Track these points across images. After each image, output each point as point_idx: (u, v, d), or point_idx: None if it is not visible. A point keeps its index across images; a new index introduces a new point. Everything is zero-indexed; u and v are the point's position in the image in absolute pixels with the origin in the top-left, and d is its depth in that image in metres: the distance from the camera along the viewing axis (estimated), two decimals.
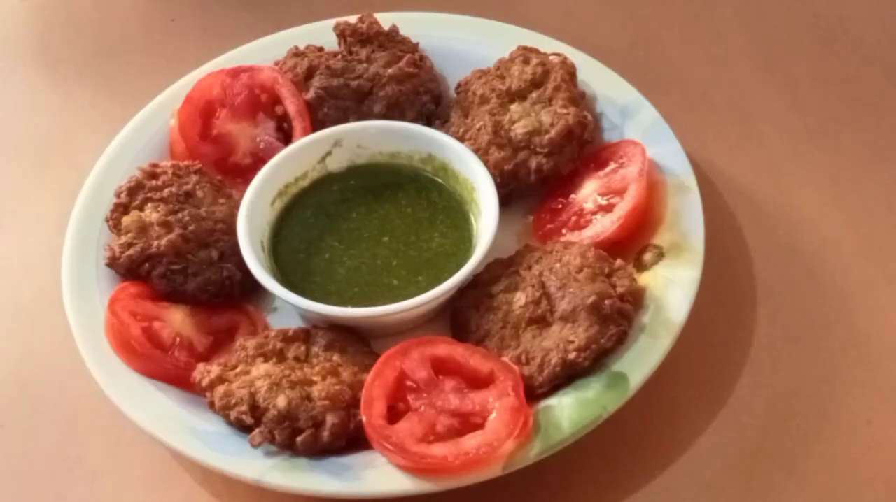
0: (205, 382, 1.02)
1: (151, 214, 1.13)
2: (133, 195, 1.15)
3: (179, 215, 1.13)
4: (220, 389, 1.01)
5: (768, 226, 1.19)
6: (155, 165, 1.18)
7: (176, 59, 1.38)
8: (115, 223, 1.14)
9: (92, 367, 1.06)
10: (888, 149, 1.26)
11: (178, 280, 1.11)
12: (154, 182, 1.16)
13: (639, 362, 1.01)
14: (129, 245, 1.11)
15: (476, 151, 1.16)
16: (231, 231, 1.13)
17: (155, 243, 1.11)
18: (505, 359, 1.03)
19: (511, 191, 1.17)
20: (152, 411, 1.03)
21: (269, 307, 1.14)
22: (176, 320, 1.10)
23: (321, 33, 1.29)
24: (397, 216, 1.17)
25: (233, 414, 1.00)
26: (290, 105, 1.22)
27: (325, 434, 0.99)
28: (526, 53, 1.22)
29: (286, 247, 1.16)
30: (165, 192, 1.15)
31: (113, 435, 1.08)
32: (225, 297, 1.12)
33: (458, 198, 1.17)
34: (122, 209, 1.15)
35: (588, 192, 1.15)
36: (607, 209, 1.13)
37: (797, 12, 1.40)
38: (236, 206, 1.15)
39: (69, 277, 1.12)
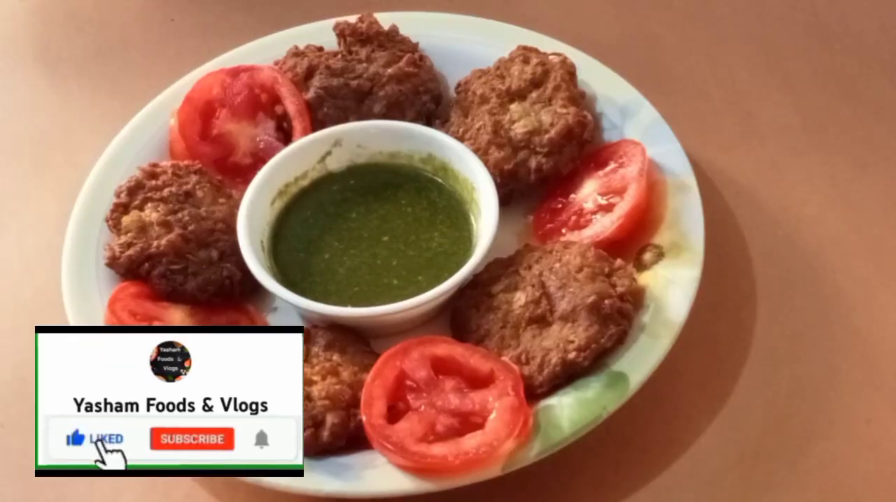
0: None
1: (151, 214, 1.13)
2: (133, 195, 1.15)
3: (179, 215, 1.13)
4: None
5: (768, 226, 1.19)
6: (155, 165, 1.18)
7: (176, 59, 1.38)
8: (114, 223, 1.14)
9: None
10: (888, 149, 1.25)
11: (178, 280, 1.11)
12: (154, 182, 1.16)
13: (639, 362, 1.01)
14: (129, 245, 1.11)
15: (476, 151, 1.16)
16: (231, 231, 1.13)
17: (155, 243, 1.11)
18: (505, 358, 1.03)
19: (511, 191, 1.17)
20: None
21: (269, 307, 1.14)
22: (176, 320, 1.09)
23: (321, 33, 1.29)
24: (397, 216, 1.17)
25: None
26: (290, 105, 1.22)
27: (325, 434, 0.98)
28: (526, 53, 1.22)
29: (286, 246, 1.16)
30: (165, 192, 1.15)
31: None
32: (225, 297, 1.12)
33: (458, 198, 1.17)
34: (122, 209, 1.15)
35: (588, 192, 1.15)
36: (607, 209, 1.13)
37: (797, 12, 1.40)
38: (236, 206, 1.14)
39: (69, 277, 1.12)
